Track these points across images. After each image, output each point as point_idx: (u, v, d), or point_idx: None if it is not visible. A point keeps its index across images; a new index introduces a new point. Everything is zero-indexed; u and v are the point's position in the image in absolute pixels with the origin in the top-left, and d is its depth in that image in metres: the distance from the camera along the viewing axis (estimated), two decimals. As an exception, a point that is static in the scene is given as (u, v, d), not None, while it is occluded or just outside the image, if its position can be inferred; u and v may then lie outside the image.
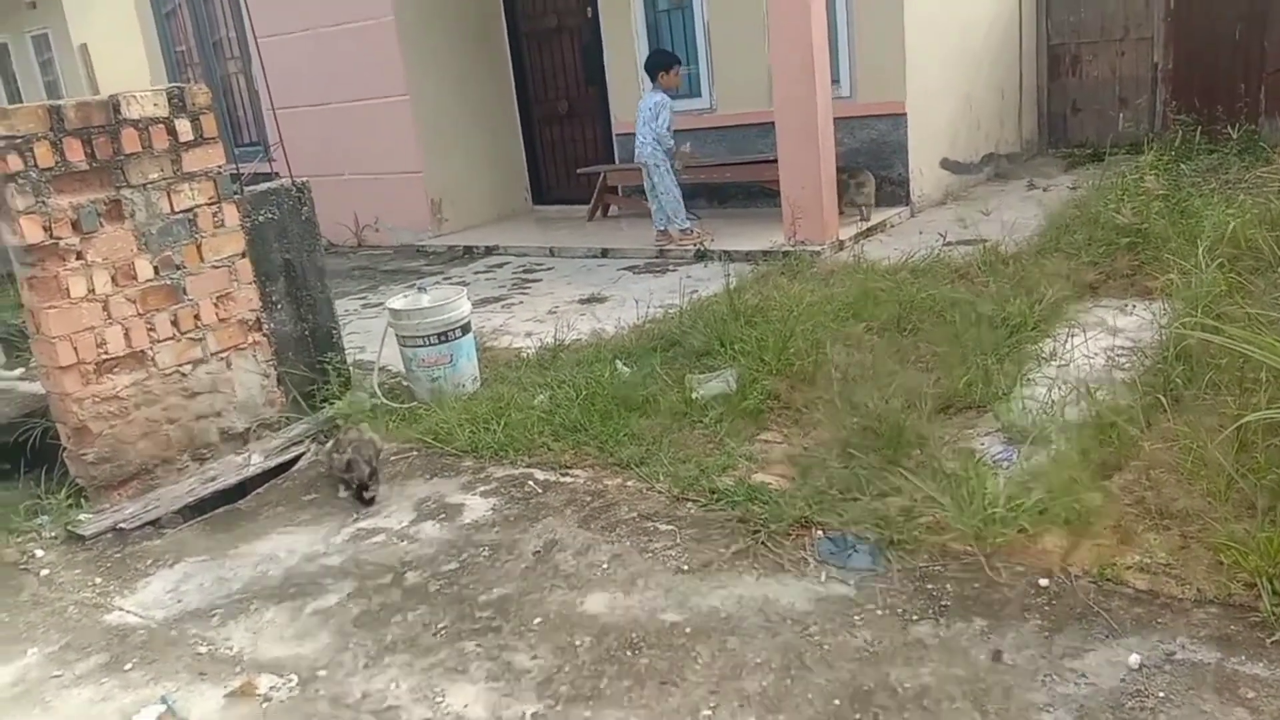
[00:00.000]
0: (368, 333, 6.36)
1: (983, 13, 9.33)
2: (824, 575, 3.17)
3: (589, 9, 9.84)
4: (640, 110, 8.06)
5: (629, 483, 3.97)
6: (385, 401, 5.03)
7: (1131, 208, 6.00)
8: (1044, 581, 2.98)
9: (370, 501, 4.12)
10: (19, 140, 3.93)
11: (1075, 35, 10.16)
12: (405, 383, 5.25)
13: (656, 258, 8.06)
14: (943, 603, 2.95)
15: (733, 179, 8.78)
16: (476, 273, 8.48)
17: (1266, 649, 2.58)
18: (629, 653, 2.90)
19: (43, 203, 4.01)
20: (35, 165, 3.97)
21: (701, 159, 8.72)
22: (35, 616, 3.55)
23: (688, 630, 2.98)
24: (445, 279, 8.23)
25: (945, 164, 8.93)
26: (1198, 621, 2.72)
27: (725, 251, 7.66)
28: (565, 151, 10.62)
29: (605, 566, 3.40)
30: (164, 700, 2.93)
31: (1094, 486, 3.33)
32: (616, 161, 10.00)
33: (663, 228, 8.21)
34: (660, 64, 8.10)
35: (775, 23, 7.18)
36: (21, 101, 14.61)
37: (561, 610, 3.17)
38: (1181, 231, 5.62)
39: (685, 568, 3.31)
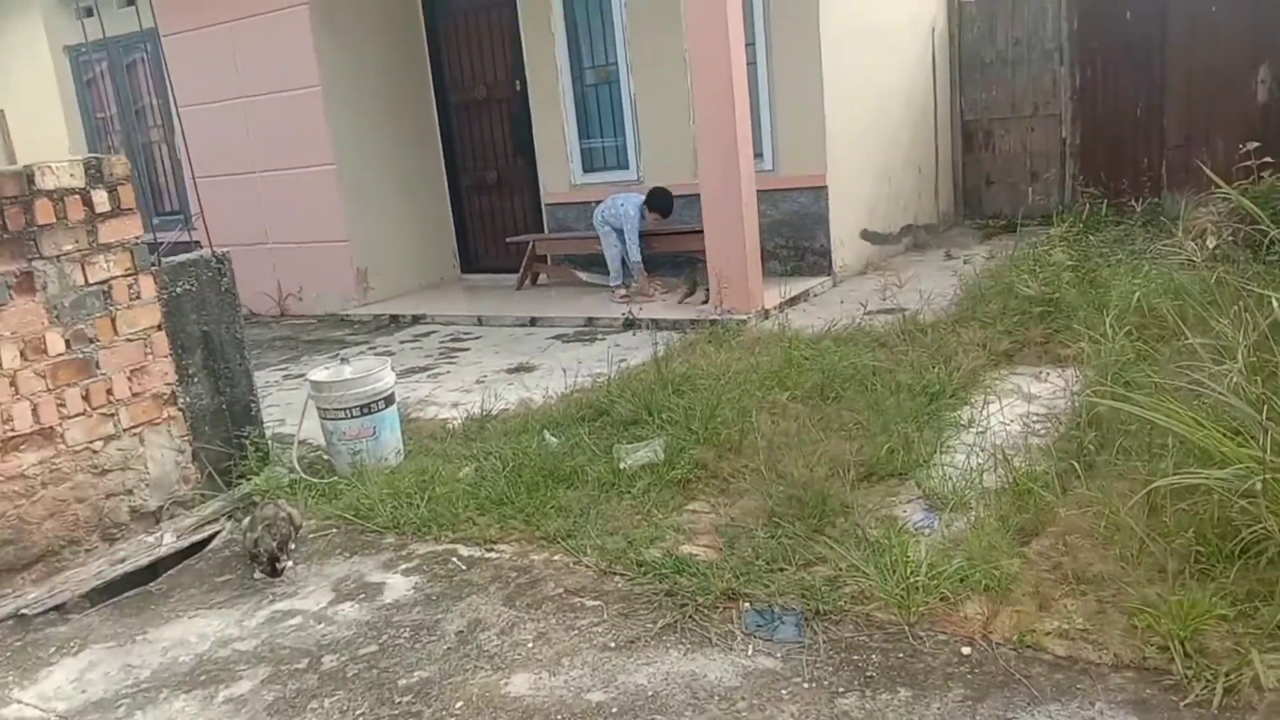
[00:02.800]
0: (288, 405, 6.23)
1: (899, 91, 9.66)
2: (750, 648, 3.16)
3: (518, 82, 9.96)
4: (622, 200, 8.55)
5: (556, 557, 3.92)
6: (305, 476, 4.92)
7: (1042, 278, 6.20)
8: (966, 650, 3.00)
9: (280, 573, 4.01)
10: (-76, 212, 3.82)
11: (987, 112, 10.56)
12: (326, 456, 5.15)
13: (585, 326, 8.09)
14: (868, 674, 2.96)
15: (659, 249, 8.87)
16: (403, 342, 8.40)
17: (1180, 712, 2.62)
18: (553, 734, 2.85)
19: (-53, 276, 3.89)
20: (-60, 237, 3.86)
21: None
22: (-75, 711, 3.36)
23: (614, 710, 2.93)
24: (370, 349, 8.14)
25: (865, 235, 9.16)
26: (1115, 686, 2.76)
27: (653, 320, 7.72)
28: (494, 220, 10.65)
29: (530, 645, 3.33)
30: (62, 799, 2.78)
31: (1013, 553, 3.38)
32: (545, 230, 10.07)
33: (617, 284, 8.76)
34: (653, 202, 8.48)
35: (700, 98, 7.35)
36: (-68, 168, 14.21)
37: (484, 693, 3.09)
38: (1090, 301, 5.83)
39: (612, 644, 3.27)
